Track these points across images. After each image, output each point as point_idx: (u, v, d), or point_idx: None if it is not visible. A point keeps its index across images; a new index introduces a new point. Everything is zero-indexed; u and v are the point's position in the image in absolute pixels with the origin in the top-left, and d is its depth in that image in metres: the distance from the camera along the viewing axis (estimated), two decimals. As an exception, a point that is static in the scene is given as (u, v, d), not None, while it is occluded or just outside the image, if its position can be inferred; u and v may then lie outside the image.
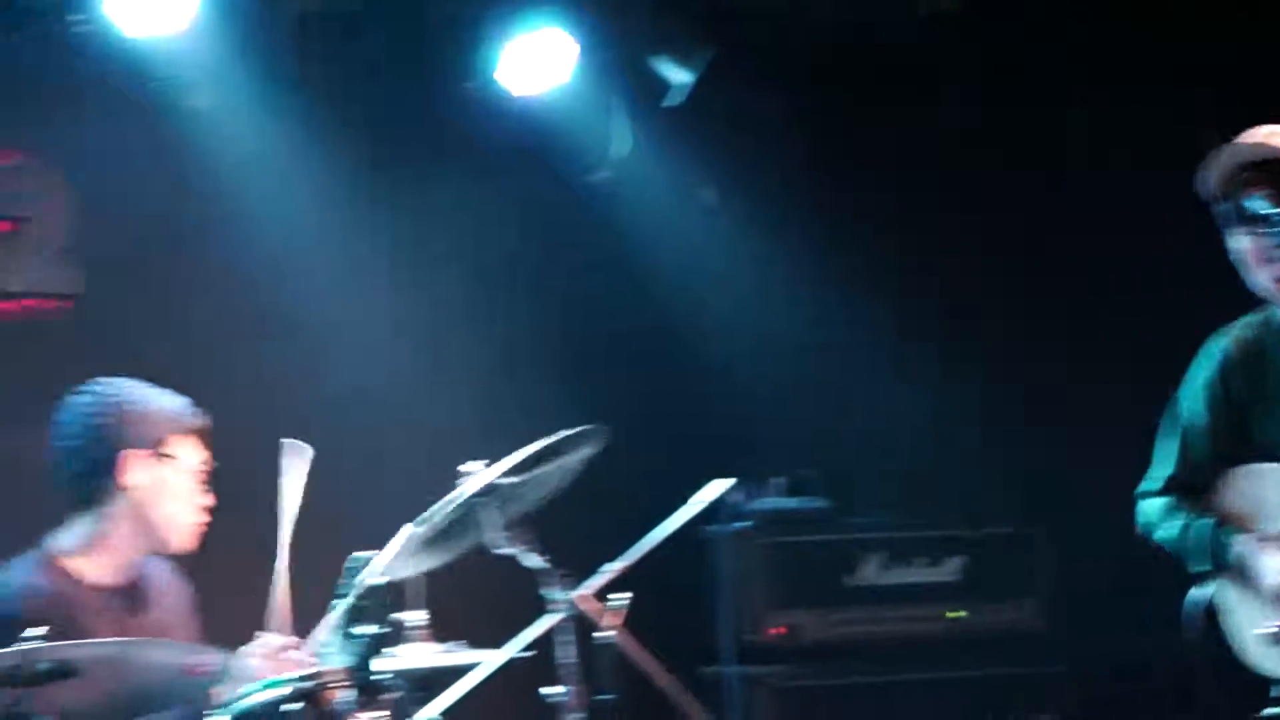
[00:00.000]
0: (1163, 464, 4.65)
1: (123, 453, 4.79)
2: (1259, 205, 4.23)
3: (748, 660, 6.12)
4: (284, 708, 4.30)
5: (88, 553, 4.83)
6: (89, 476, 4.80)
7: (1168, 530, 4.58)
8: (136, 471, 4.79)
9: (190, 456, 4.88)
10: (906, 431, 6.59)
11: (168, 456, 4.84)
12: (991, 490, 6.53)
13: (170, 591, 5.07)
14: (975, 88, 6.69)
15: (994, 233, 6.72)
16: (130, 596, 4.90)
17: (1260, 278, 4.33)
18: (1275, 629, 4.36)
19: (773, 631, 6.15)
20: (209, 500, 4.92)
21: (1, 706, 3.98)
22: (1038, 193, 6.69)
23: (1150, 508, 4.65)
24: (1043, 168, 6.69)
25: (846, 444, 6.54)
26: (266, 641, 4.74)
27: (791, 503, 6.29)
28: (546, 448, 4.70)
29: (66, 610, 4.63)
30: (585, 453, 4.74)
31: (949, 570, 6.36)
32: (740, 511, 6.11)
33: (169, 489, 4.86)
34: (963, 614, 6.34)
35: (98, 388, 4.91)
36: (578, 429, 4.69)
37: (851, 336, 6.62)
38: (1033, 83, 6.59)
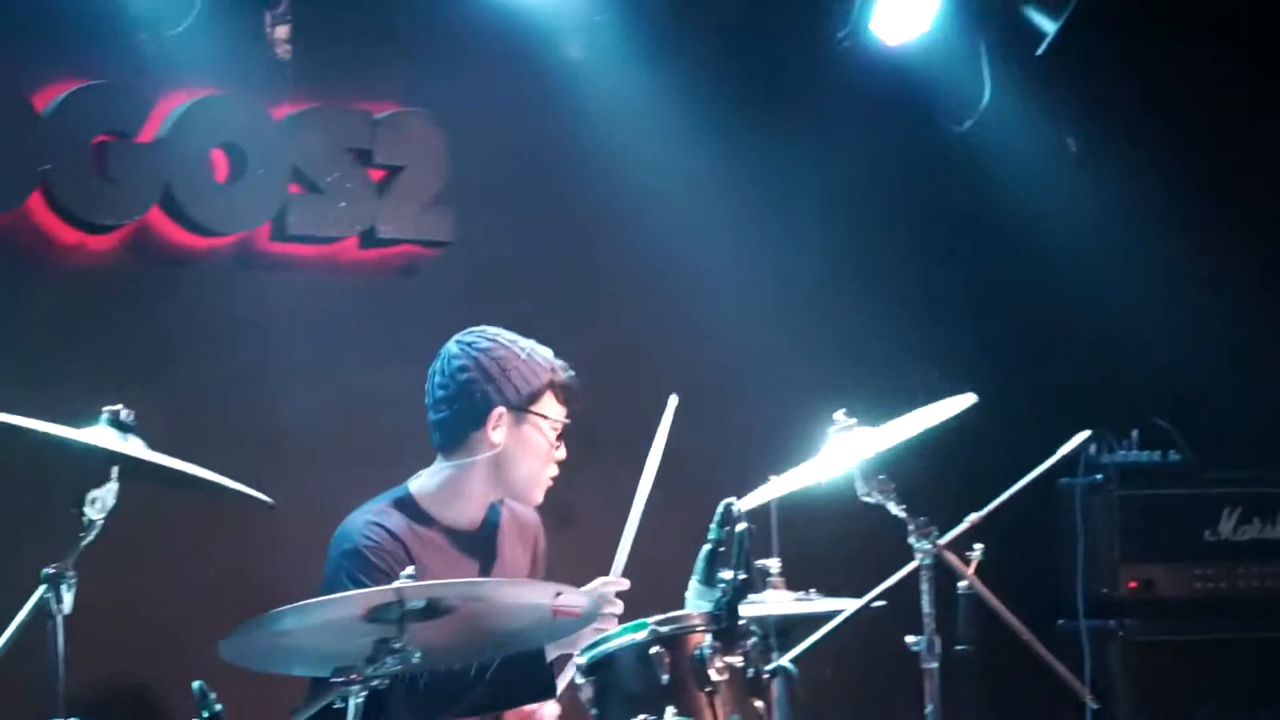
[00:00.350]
0: None
1: (495, 410, 4.93)
2: None
3: (1101, 614, 6.08)
4: (650, 651, 4.34)
5: (445, 497, 5.01)
6: (458, 426, 4.95)
7: None
8: (504, 428, 4.94)
9: (555, 414, 4.98)
10: (1268, 385, 6.44)
11: (536, 414, 4.98)
12: None
13: (521, 537, 5.27)
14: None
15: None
16: (480, 541, 5.05)
17: None
18: None
19: (1129, 585, 6.12)
20: (562, 455, 5.01)
21: (374, 640, 4.14)
22: None
23: None
24: None
25: (1205, 397, 6.43)
26: (602, 584, 4.88)
27: (1147, 456, 6.23)
28: (926, 421, 4.76)
29: (418, 549, 4.84)
30: (954, 422, 4.79)
31: None
32: (1096, 464, 6.09)
33: (532, 446, 4.99)
34: None
35: (475, 339, 5.06)
36: (955, 401, 4.76)
37: (1214, 290, 6.52)
38: None
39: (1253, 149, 6.71)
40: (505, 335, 5.13)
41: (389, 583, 4.58)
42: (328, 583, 4.94)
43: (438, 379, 5.04)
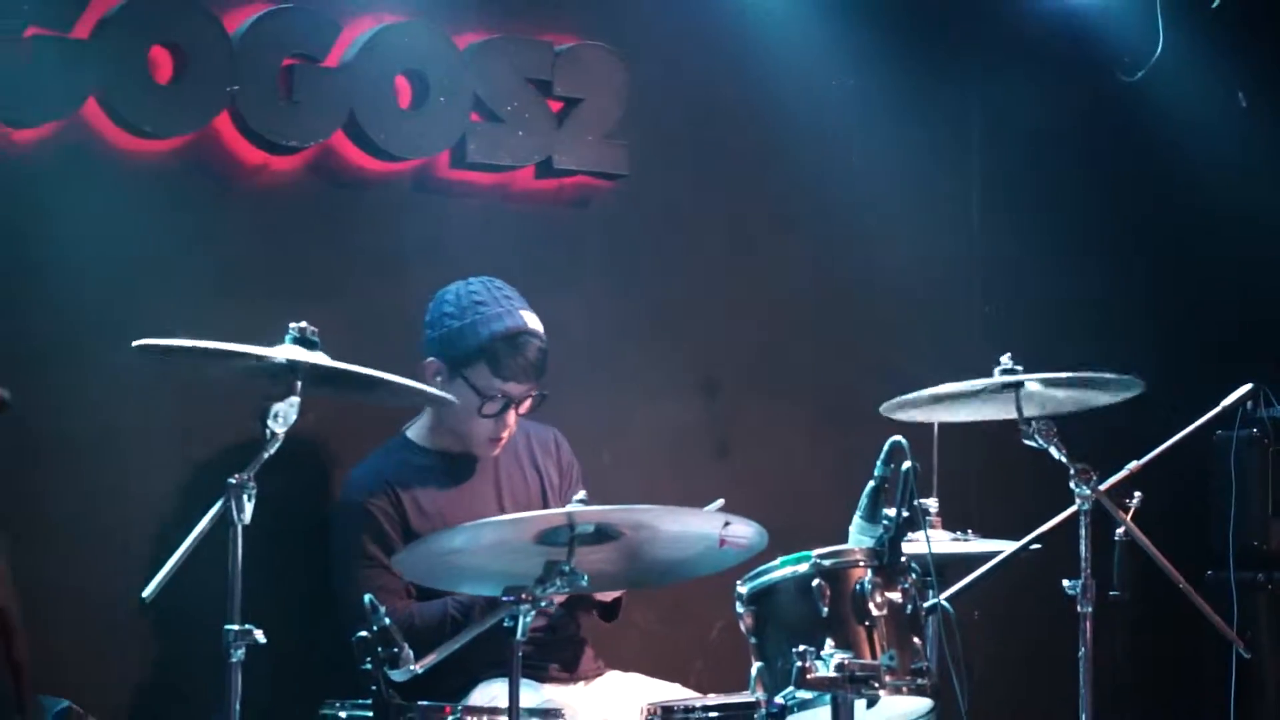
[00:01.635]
0: None
1: (429, 359, 5.25)
2: None
3: (1250, 566, 6.06)
4: (812, 584, 4.39)
5: (427, 429, 5.34)
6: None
7: None
8: (441, 379, 5.19)
9: (483, 383, 5.14)
10: None
11: (462, 378, 5.17)
12: None
13: (543, 454, 5.48)
14: None
15: None
16: (475, 462, 5.33)
17: None
18: None
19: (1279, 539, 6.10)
20: (507, 424, 5.21)
21: (544, 561, 4.21)
22: None
23: None
24: None
25: None
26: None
27: None
28: (1091, 379, 4.74)
29: (409, 478, 5.21)
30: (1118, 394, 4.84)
31: None
32: (1253, 418, 6.03)
33: (459, 404, 5.13)
34: None
35: (449, 290, 5.33)
36: (1125, 378, 4.77)
37: None
38: None
39: None
40: (475, 293, 5.25)
41: (374, 528, 5.10)
42: (332, 532, 5.26)
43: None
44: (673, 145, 6.15)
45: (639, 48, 6.05)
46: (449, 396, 4.85)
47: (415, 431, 5.37)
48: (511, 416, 5.20)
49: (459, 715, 4.52)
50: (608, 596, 5.20)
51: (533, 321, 5.17)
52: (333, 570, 5.05)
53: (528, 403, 5.22)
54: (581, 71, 5.95)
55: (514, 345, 5.12)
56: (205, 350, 4.40)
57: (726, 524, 4.41)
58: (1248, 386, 5.10)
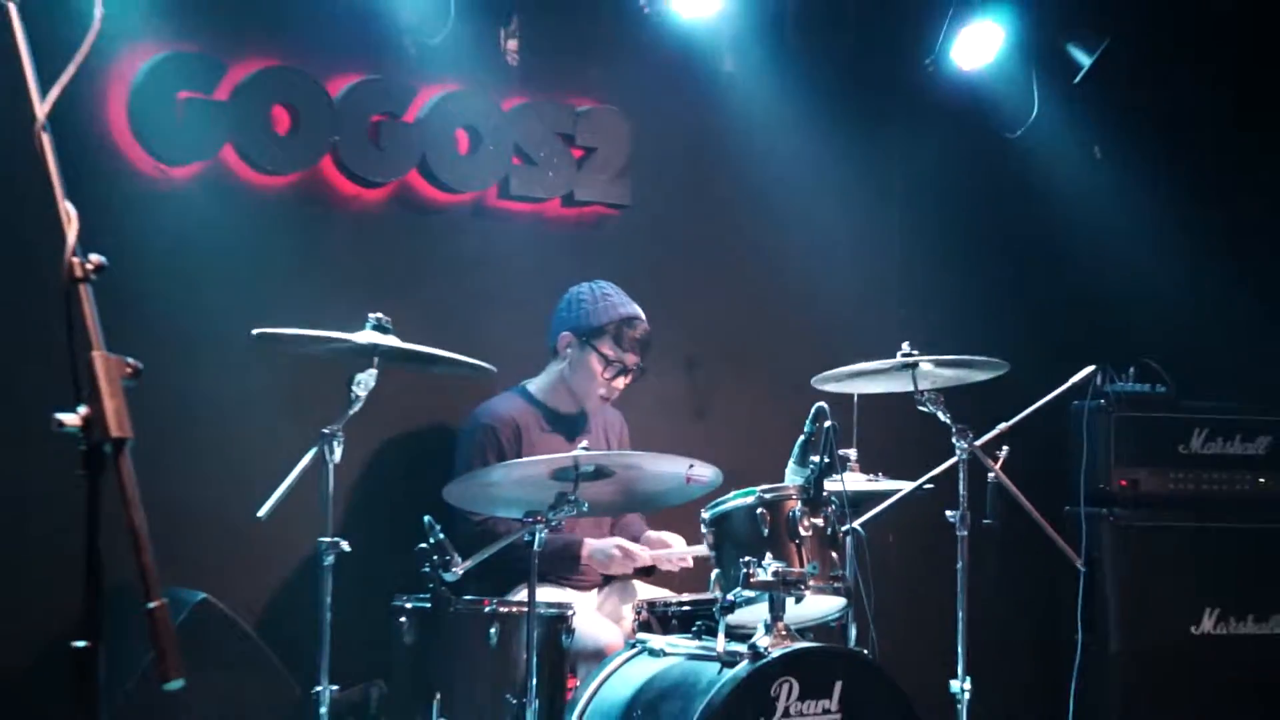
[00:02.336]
0: None
1: (564, 334, 5.21)
2: None
3: (1096, 504, 6.04)
4: (756, 511, 4.47)
5: (546, 388, 5.33)
6: (551, 341, 5.32)
7: None
8: (571, 350, 5.21)
9: (610, 352, 5.17)
10: (1230, 339, 6.36)
11: (591, 347, 5.18)
12: None
13: (607, 427, 5.43)
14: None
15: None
16: (574, 420, 5.32)
17: None
18: None
19: (1120, 483, 6.07)
20: (620, 385, 5.24)
21: (555, 492, 4.31)
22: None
23: None
24: None
25: (1185, 346, 6.35)
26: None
27: (1139, 387, 6.16)
28: (974, 361, 4.84)
29: (525, 422, 5.27)
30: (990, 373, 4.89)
31: (1260, 446, 6.20)
32: (1100, 392, 6.04)
33: (584, 369, 5.23)
34: (1266, 481, 6.18)
35: (582, 286, 5.32)
36: (993, 360, 4.83)
37: (1195, 266, 6.43)
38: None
39: (1229, 154, 6.61)
40: (605, 289, 5.27)
41: (496, 446, 5.09)
42: (461, 444, 5.18)
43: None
44: (664, 182, 6.10)
45: (639, 110, 6.01)
46: (487, 366, 4.79)
47: (535, 387, 5.34)
48: (622, 382, 5.22)
49: (494, 606, 4.53)
50: (645, 560, 5.17)
51: (641, 313, 5.21)
52: (455, 476, 4.91)
53: (631, 376, 5.25)
54: (596, 127, 5.93)
55: (632, 326, 5.16)
56: (307, 336, 4.47)
57: (691, 466, 4.48)
58: (1090, 368, 5.13)
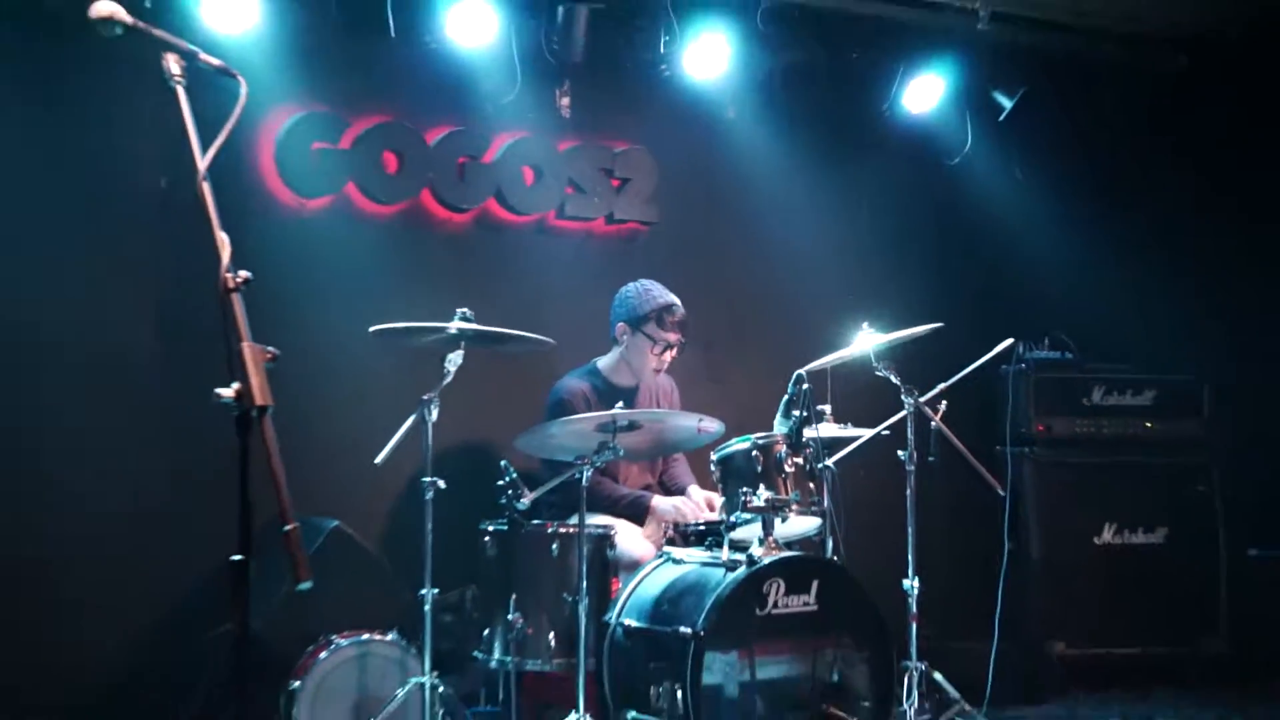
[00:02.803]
0: None
1: (620, 324, 5.14)
2: None
3: (1020, 444, 6.04)
4: (751, 453, 4.51)
5: (610, 367, 5.25)
6: (611, 329, 5.21)
7: None
8: (626, 335, 5.13)
9: (655, 334, 5.11)
10: (1129, 313, 6.29)
11: (642, 332, 5.12)
12: (1180, 346, 6.21)
13: (660, 394, 5.36)
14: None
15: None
16: (632, 392, 5.23)
17: None
18: None
19: (1037, 428, 6.07)
20: (668, 358, 5.17)
21: (598, 441, 4.35)
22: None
23: None
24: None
25: (1087, 324, 6.29)
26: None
27: (1051, 354, 6.16)
28: (916, 332, 4.82)
29: (591, 396, 5.10)
30: (916, 338, 4.82)
31: (1146, 398, 6.17)
32: (1021, 358, 6.06)
33: (637, 349, 5.17)
34: (1152, 425, 6.17)
35: (631, 284, 5.23)
36: (923, 328, 4.80)
37: (1098, 260, 6.37)
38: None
39: (1116, 175, 6.56)
40: (647, 285, 5.22)
41: (571, 412, 4.84)
42: (548, 409, 5.12)
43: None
44: (683, 204, 6.09)
45: (663, 149, 6.02)
46: (548, 339, 4.73)
47: (603, 364, 5.27)
48: (668, 356, 5.17)
49: (555, 528, 4.58)
50: (695, 518, 5.04)
51: (677, 300, 5.16)
52: None
53: (675, 350, 5.19)
54: (630, 163, 5.96)
55: (670, 311, 5.12)
56: (411, 328, 4.49)
57: (700, 420, 4.54)
58: (1010, 340, 5.08)
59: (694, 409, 4.65)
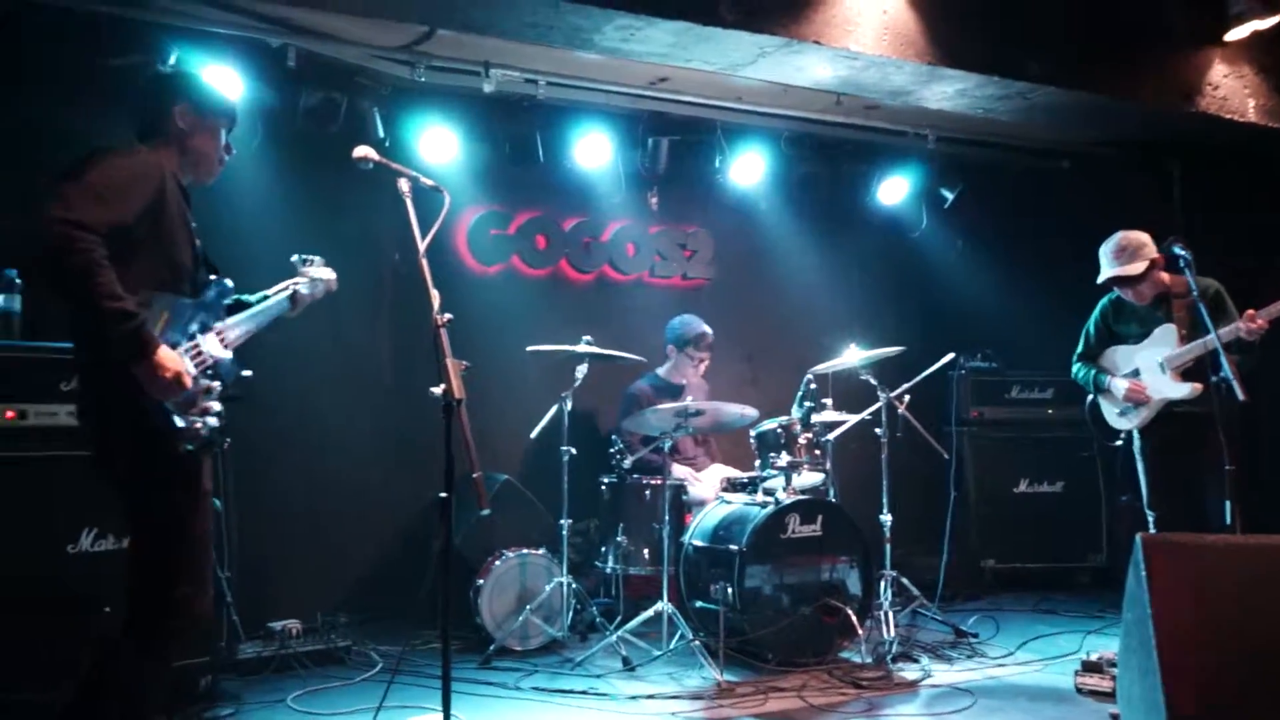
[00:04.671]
0: (1081, 346, 4.37)
1: (669, 345, 5.08)
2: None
3: (961, 426, 5.96)
4: (777, 430, 4.46)
5: (670, 372, 5.19)
6: (665, 349, 5.14)
7: (1083, 375, 4.33)
8: (674, 352, 5.06)
9: (693, 351, 5.07)
10: (1034, 334, 6.05)
11: (684, 350, 5.05)
12: (1070, 356, 5.99)
13: (702, 389, 5.24)
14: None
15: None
16: (682, 389, 5.10)
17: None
18: (1119, 411, 4.15)
19: (973, 414, 5.99)
20: (704, 367, 5.08)
21: (674, 424, 4.32)
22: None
23: (1076, 366, 4.38)
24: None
25: (1006, 339, 6.16)
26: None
27: (982, 364, 6.06)
28: (882, 352, 4.68)
29: (653, 394, 5.02)
30: (888, 354, 4.70)
31: (1048, 393, 6.03)
32: (962, 367, 5.97)
33: (682, 362, 5.10)
34: (1052, 411, 6.01)
35: (677, 318, 5.14)
36: (892, 348, 4.67)
37: (1017, 299, 6.17)
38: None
39: (1021, 236, 6.35)
40: (688, 319, 5.12)
41: (640, 404, 4.78)
42: (623, 402, 5.06)
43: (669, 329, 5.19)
44: (732, 267, 6.04)
45: (719, 231, 5.99)
46: (641, 358, 4.61)
47: (662, 371, 5.17)
48: (703, 366, 5.10)
49: (648, 480, 4.56)
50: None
51: (708, 328, 5.13)
52: (620, 418, 4.86)
53: (707, 362, 5.11)
54: (696, 239, 5.96)
55: (702, 338, 5.09)
56: (557, 350, 4.52)
57: (743, 409, 4.48)
58: (951, 355, 4.96)
59: (737, 400, 4.62)
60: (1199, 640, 2.51)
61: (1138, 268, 4.05)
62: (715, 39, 4.07)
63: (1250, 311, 3.87)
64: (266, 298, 2.77)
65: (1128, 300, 4.20)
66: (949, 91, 4.75)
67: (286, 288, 2.80)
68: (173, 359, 2.29)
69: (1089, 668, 3.92)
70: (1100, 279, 4.17)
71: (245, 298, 2.73)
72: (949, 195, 6.23)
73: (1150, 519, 4.14)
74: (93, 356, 2.30)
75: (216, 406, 2.43)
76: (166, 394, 2.28)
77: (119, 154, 2.38)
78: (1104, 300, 4.33)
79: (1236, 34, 5.02)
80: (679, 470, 4.97)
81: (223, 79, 4.26)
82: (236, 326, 2.60)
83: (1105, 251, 4.16)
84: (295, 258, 2.87)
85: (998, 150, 6.15)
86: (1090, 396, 4.35)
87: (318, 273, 2.86)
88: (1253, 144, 5.42)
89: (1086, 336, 4.40)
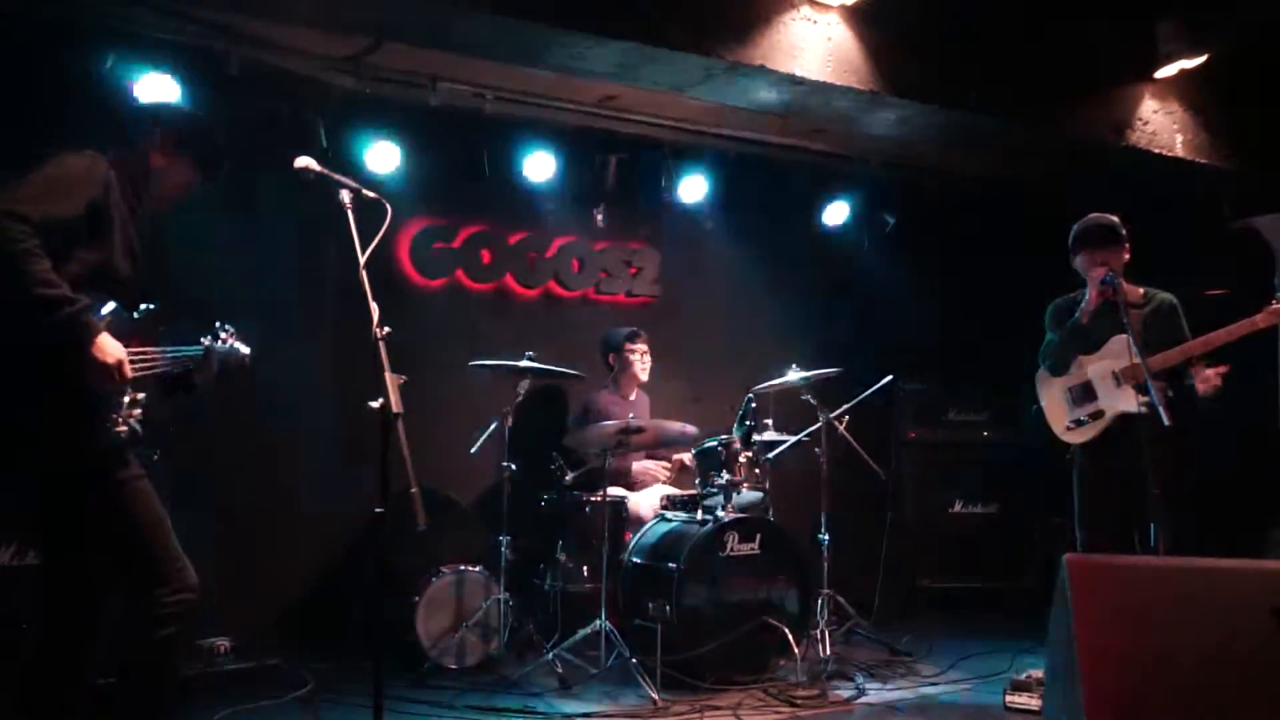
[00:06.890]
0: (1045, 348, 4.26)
1: (610, 353, 5.06)
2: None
3: (900, 445, 6.04)
4: (718, 448, 4.50)
5: (616, 383, 5.12)
6: (604, 359, 5.14)
7: (1050, 364, 4.22)
8: (618, 358, 5.04)
9: (629, 351, 5.04)
10: (971, 358, 6.22)
11: (623, 351, 5.04)
12: (1004, 381, 5.85)
13: (646, 405, 5.24)
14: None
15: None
16: (631, 402, 5.14)
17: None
18: (1069, 423, 4.06)
19: (910, 435, 6.08)
20: (646, 366, 5.06)
21: (618, 439, 4.30)
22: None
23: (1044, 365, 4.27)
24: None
25: (944, 362, 6.26)
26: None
27: (920, 386, 6.12)
28: (823, 373, 4.74)
29: (607, 404, 5.03)
30: (828, 375, 4.75)
31: (983, 415, 6.13)
32: (902, 389, 6.00)
33: (626, 364, 5.09)
34: (987, 434, 6.13)
35: (608, 329, 5.15)
36: (833, 369, 4.70)
37: (950, 319, 6.35)
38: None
39: (964, 262, 6.45)
40: (621, 328, 5.16)
41: (594, 417, 4.76)
42: (573, 417, 5.03)
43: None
44: (677, 285, 6.02)
45: (665, 248, 5.97)
46: (581, 374, 4.68)
47: (612, 381, 5.14)
48: (647, 360, 5.09)
49: (587, 496, 4.57)
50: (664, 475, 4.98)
51: (636, 327, 5.18)
52: (570, 432, 4.77)
53: (648, 353, 5.10)
54: (642, 257, 5.93)
55: (633, 330, 5.12)
56: (499, 364, 4.51)
57: (684, 427, 4.53)
58: (890, 377, 5.01)
59: (679, 419, 4.64)
60: (1122, 662, 2.50)
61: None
62: (663, 59, 4.12)
63: (1208, 373, 3.74)
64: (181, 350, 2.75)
65: (1075, 308, 4.07)
66: (891, 118, 4.85)
67: (200, 344, 2.79)
68: (115, 345, 2.32)
69: (1018, 687, 4.00)
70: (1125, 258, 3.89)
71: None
72: (890, 219, 6.32)
73: (1080, 539, 4.11)
74: (7, 340, 2.26)
75: (138, 413, 2.42)
76: (107, 380, 2.30)
77: (69, 153, 2.43)
78: (1049, 309, 4.23)
79: (1165, 72, 5.21)
80: (616, 490, 5.00)
81: (161, 86, 4.20)
82: (160, 357, 2.61)
83: (1108, 229, 3.87)
84: (217, 324, 2.87)
85: (931, 177, 6.25)
86: (1035, 407, 4.21)
87: (235, 342, 2.87)
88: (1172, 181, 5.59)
89: (1049, 340, 4.23)
